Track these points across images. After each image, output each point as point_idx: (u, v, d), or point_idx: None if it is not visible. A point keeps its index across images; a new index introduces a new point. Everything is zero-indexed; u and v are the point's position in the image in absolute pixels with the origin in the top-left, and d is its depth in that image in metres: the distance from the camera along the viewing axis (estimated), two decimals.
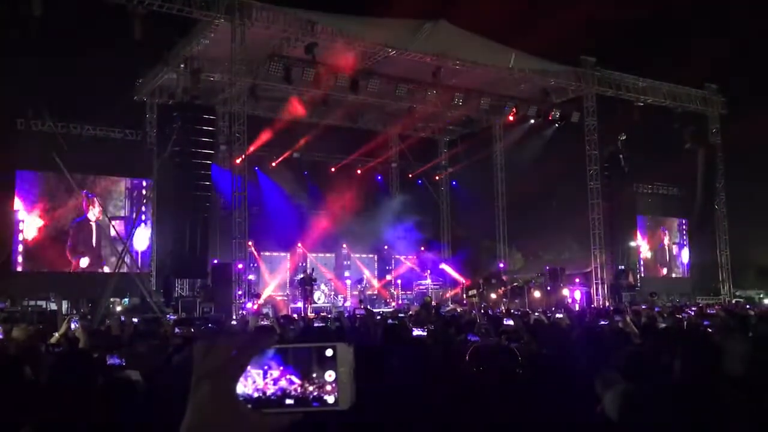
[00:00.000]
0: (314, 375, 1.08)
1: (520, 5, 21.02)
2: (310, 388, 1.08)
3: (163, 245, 20.88)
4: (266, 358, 1.09)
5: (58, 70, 16.40)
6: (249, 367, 1.08)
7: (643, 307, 17.06)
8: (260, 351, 1.09)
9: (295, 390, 1.08)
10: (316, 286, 23.35)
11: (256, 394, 1.08)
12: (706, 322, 9.56)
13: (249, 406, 1.07)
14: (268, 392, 1.08)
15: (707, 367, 3.52)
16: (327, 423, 1.10)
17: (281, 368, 1.08)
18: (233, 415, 1.06)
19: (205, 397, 1.06)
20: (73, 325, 7.83)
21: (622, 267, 25.09)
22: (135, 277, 19.25)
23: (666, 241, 29.87)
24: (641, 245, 28.59)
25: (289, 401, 1.07)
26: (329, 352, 1.09)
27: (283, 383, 1.08)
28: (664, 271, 29.63)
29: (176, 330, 9.32)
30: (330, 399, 1.07)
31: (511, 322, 8.52)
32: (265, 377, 1.08)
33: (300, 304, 21.79)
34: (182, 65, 19.77)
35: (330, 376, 1.07)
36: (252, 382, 1.08)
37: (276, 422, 1.08)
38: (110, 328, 9.24)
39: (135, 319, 12.27)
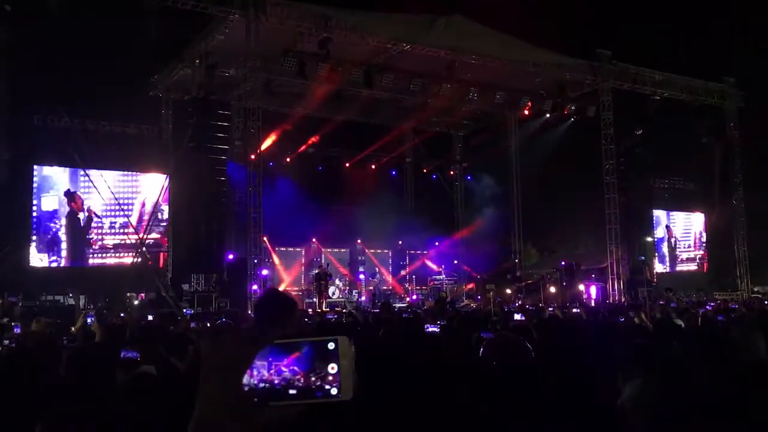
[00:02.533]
0: (317, 368, 1.12)
1: None
2: (313, 381, 1.12)
3: (179, 240, 21.01)
4: (271, 352, 1.12)
5: (75, 67, 16.51)
6: (255, 360, 1.11)
7: (660, 302, 17.00)
8: (265, 345, 1.12)
9: (299, 381, 1.11)
10: (330, 281, 23.43)
11: (261, 385, 1.12)
12: (720, 317, 9.49)
13: (254, 398, 1.11)
14: (273, 383, 1.11)
15: (720, 362, 3.50)
16: (330, 414, 1.15)
17: (285, 361, 1.12)
18: (240, 407, 1.10)
19: (213, 390, 1.09)
20: (89, 320, 7.90)
21: (642, 257, 24.92)
22: (151, 271, 19.39)
23: (682, 235, 29.67)
24: (657, 240, 28.42)
25: (292, 392, 1.11)
26: (331, 346, 1.13)
27: (287, 375, 1.12)
28: (680, 266, 29.44)
29: (192, 324, 9.38)
30: (333, 390, 1.11)
31: (522, 317, 8.51)
32: (269, 369, 1.12)
33: (315, 299, 21.89)
34: (197, 61, 19.84)
35: (332, 368, 1.12)
36: (257, 374, 1.12)
37: (281, 414, 1.11)
38: (126, 322, 9.32)
39: (150, 317, 12.34)
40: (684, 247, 29.80)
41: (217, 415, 1.09)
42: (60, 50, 16.14)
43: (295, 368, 1.12)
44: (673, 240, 29.37)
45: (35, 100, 18.52)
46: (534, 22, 20.43)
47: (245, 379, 1.11)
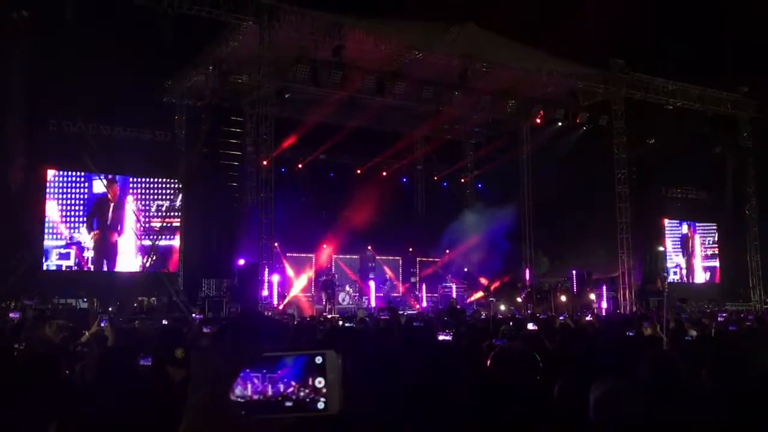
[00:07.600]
0: (304, 381, 1.14)
1: (548, 7, 20.91)
2: (300, 394, 1.13)
3: (191, 245, 21.08)
4: (264, 364, 1.14)
5: (89, 72, 16.64)
6: (248, 371, 1.13)
7: (676, 305, 16.89)
8: (251, 360, 1.13)
9: (293, 394, 1.13)
10: (339, 288, 23.43)
11: (257, 397, 1.14)
12: (732, 327, 9.45)
13: (249, 410, 1.13)
14: (268, 395, 1.13)
15: (735, 375, 3.49)
16: (315, 428, 1.16)
17: (279, 373, 1.14)
18: (226, 420, 1.11)
19: (199, 403, 1.11)
20: (102, 324, 7.94)
21: (654, 271, 24.78)
22: (163, 276, 19.47)
23: (694, 245, 29.49)
24: (669, 250, 28.27)
25: (288, 404, 1.13)
26: (319, 360, 1.15)
27: (281, 387, 1.14)
28: (693, 276, 29.26)
29: (204, 329, 9.42)
30: (320, 404, 1.13)
31: (534, 326, 8.49)
32: (264, 381, 1.14)
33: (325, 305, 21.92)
34: (211, 67, 19.94)
35: (320, 382, 1.14)
36: (252, 385, 1.14)
37: (267, 427, 1.13)
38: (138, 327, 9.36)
39: (164, 321, 12.40)
40: (696, 258, 29.59)
41: (204, 426, 1.10)
42: (75, 56, 16.29)
43: (290, 381, 1.13)
44: (684, 250, 29.19)
45: (51, 105, 18.66)
46: (547, 30, 20.43)
47: (240, 391, 1.13)
